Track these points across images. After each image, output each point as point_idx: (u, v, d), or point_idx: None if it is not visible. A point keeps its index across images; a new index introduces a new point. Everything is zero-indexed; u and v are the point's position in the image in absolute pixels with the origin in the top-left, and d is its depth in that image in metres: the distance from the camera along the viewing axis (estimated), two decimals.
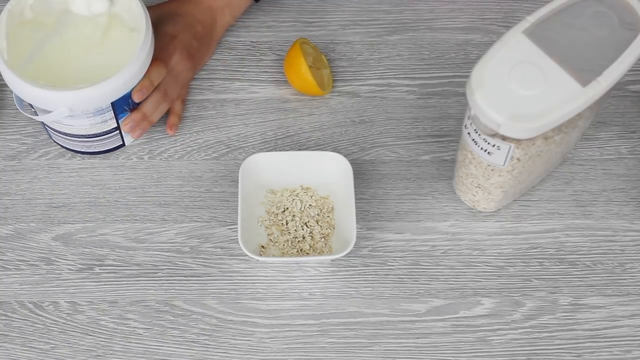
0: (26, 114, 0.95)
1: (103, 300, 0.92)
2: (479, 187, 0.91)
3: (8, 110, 1.02)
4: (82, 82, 0.88)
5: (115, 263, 0.93)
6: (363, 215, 0.96)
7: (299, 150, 1.00)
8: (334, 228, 0.95)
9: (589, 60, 0.79)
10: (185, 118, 1.02)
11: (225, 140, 1.01)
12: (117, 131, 0.96)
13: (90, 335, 0.90)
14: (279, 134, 1.01)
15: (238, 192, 0.92)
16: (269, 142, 1.01)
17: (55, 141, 1.00)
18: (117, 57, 0.92)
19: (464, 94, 0.83)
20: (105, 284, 0.92)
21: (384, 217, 0.96)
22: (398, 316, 0.91)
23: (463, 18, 1.08)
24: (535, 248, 0.94)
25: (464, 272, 0.93)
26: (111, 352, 0.89)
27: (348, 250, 0.89)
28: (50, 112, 0.90)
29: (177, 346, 0.89)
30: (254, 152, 0.99)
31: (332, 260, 0.93)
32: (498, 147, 0.82)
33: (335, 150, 1.00)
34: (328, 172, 0.95)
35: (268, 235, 0.94)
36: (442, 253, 0.94)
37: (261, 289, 0.92)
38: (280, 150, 1.00)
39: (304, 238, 0.94)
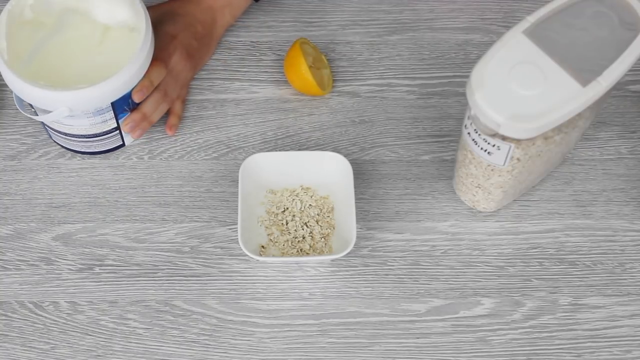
0: (26, 114, 0.95)
1: (103, 300, 0.92)
2: (479, 187, 0.91)
3: (8, 110, 1.02)
4: (82, 82, 0.88)
5: (115, 263, 0.93)
6: (363, 215, 0.96)
7: (299, 150, 1.00)
8: (334, 228, 0.95)
9: (589, 60, 0.79)
10: (185, 118, 1.02)
11: (225, 140, 1.01)
12: (117, 131, 0.96)
13: (90, 335, 0.90)
14: (279, 134, 1.01)
15: (238, 192, 0.92)
16: (269, 142, 1.01)
17: (55, 141, 1.00)
18: (117, 57, 0.91)
19: (464, 94, 0.83)
20: (105, 284, 0.92)
21: (384, 217, 0.96)
22: (398, 316, 0.91)
23: (463, 18, 1.08)
24: (535, 248, 0.94)
25: (464, 272, 0.93)
26: (111, 352, 0.89)
27: (348, 250, 0.89)
28: (50, 112, 0.90)
29: (177, 346, 0.89)
30: (254, 152, 0.99)
31: (332, 260, 0.93)
32: (498, 147, 0.82)
33: (335, 150, 1.00)
34: (328, 172, 0.95)
35: (268, 235, 0.94)
36: (442, 253, 0.94)
37: (261, 289, 0.92)
38: (280, 150, 1.00)
39: (304, 238, 0.94)
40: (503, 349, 0.89)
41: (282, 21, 1.08)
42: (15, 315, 0.91)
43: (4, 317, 0.91)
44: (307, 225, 0.94)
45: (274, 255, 0.93)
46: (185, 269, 0.93)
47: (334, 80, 1.04)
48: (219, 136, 1.01)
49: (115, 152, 1.00)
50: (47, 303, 0.91)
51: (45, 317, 0.91)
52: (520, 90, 0.78)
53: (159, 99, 0.97)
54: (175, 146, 1.00)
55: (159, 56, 0.95)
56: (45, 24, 0.93)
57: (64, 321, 0.91)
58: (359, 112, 1.03)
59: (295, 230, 0.94)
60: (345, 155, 0.96)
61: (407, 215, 0.96)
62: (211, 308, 0.91)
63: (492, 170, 0.87)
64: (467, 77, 0.80)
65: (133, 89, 0.92)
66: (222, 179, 0.98)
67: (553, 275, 0.93)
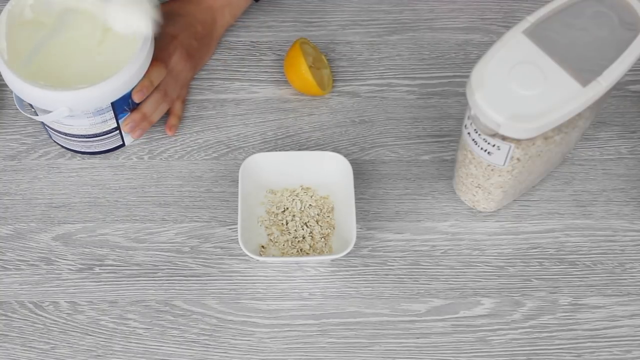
0: (26, 114, 0.95)
1: (103, 300, 0.92)
2: (479, 187, 0.91)
3: (8, 110, 1.02)
4: (82, 82, 0.88)
5: (115, 263, 0.93)
6: (363, 215, 0.96)
7: (299, 150, 1.00)
8: (334, 228, 0.95)
9: (589, 60, 0.79)
10: (185, 118, 1.02)
11: (225, 140, 1.01)
12: (117, 131, 0.96)
13: (90, 335, 0.90)
14: (279, 134, 1.01)
15: (238, 192, 0.92)
16: (269, 142, 1.01)
17: (55, 141, 1.00)
18: (117, 57, 0.92)
19: (464, 94, 0.83)
20: (105, 284, 0.92)
21: (384, 217, 0.96)
22: (398, 316, 0.91)
23: (463, 18, 1.08)
24: (535, 248, 0.94)
25: (464, 272, 0.93)
26: (111, 352, 0.89)
27: (348, 250, 0.89)
28: (50, 112, 0.90)
29: (177, 346, 0.89)
30: (254, 152, 0.99)
31: (332, 260, 0.93)
32: (498, 147, 0.82)
33: (335, 150, 1.00)
34: (328, 172, 0.95)
35: (268, 235, 0.94)
36: (442, 253, 0.94)
37: (261, 289, 0.92)
38: (280, 150, 1.00)
39: (304, 238, 0.94)
40: (503, 349, 0.89)
41: (282, 21, 1.08)
42: (15, 315, 0.91)
43: (4, 317, 0.91)
44: (307, 225, 0.94)
45: (274, 255, 0.93)
46: (185, 269, 0.93)
47: (334, 80, 1.04)
48: (219, 136, 1.01)
49: (115, 152, 1.00)
50: (47, 303, 0.91)
51: (45, 317, 0.91)
52: (520, 90, 0.78)
53: (159, 99, 0.97)
54: (175, 146, 1.00)
55: (159, 56, 0.95)
56: (45, 24, 0.93)
57: (64, 321, 0.91)
58: (359, 112, 1.03)
59: (295, 230, 0.94)
60: (345, 155, 0.96)
61: (407, 215, 0.96)
62: (211, 308, 0.91)
63: (492, 170, 0.87)
64: (467, 77, 0.80)
65: (133, 89, 0.92)
66: (222, 179, 0.98)
67: (553, 275, 0.93)
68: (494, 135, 0.81)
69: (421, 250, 0.94)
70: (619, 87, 1.01)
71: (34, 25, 0.93)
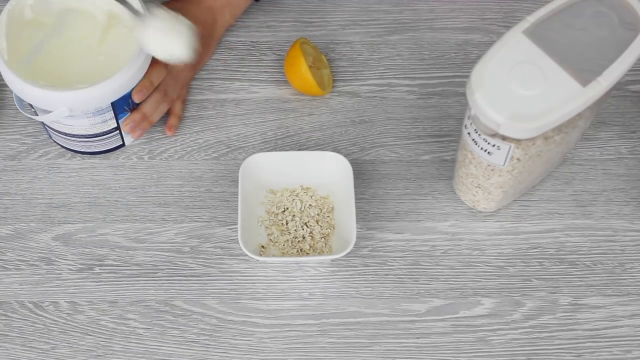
0: (26, 114, 0.95)
1: (103, 300, 0.92)
2: (479, 187, 0.91)
3: (8, 110, 1.02)
4: (82, 82, 0.88)
5: (115, 263, 0.93)
6: (363, 215, 0.96)
7: (299, 150, 1.00)
8: (334, 228, 0.95)
9: (589, 60, 0.79)
10: (185, 118, 1.02)
11: (225, 140, 1.01)
12: (117, 131, 0.96)
13: (90, 335, 0.90)
14: (279, 134, 1.01)
15: (238, 192, 0.92)
16: (269, 142, 1.01)
17: (55, 141, 1.00)
18: (117, 57, 0.92)
19: (464, 94, 0.83)
20: (105, 284, 0.92)
21: (384, 217, 0.96)
22: (398, 316, 0.91)
23: (463, 18, 1.08)
24: (535, 248, 0.94)
25: (464, 272, 0.93)
26: (111, 352, 0.89)
27: (348, 250, 0.89)
28: (50, 112, 0.90)
29: (177, 346, 0.89)
30: (254, 152, 0.99)
31: (332, 260, 0.93)
32: (498, 147, 0.82)
33: (335, 150, 1.00)
34: (328, 172, 0.95)
35: (268, 235, 0.94)
36: (442, 253, 0.94)
37: (261, 289, 0.92)
38: (280, 150, 1.00)
39: (304, 238, 0.94)
40: (503, 349, 0.89)
41: (282, 21, 1.08)
42: (15, 315, 0.91)
43: (4, 317, 0.91)
44: (307, 225, 0.94)
45: (274, 255, 0.93)
46: (185, 269, 0.93)
47: (334, 80, 1.04)
48: (219, 136, 1.01)
49: (115, 152, 1.00)
50: (47, 303, 0.91)
51: (45, 317, 0.91)
52: (520, 90, 0.78)
53: (159, 99, 0.97)
54: (175, 146, 1.00)
55: None
56: (45, 24, 0.93)
57: (64, 321, 0.91)
58: (359, 112, 1.03)
59: (295, 230, 0.94)
60: (345, 155, 0.96)
61: (407, 215, 0.96)
62: (211, 308, 0.91)
63: (492, 170, 0.87)
64: (467, 77, 0.80)
65: (133, 89, 0.92)
66: (222, 179, 0.98)
67: (553, 275, 0.93)
68: (494, 135, 0.81)
69: (421, 250, 0.94)
70: (619, 87, 1.01)
71: (34, 25, 0.93)
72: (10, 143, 1.00)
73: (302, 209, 0.95)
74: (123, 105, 0.93)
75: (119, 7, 0.91)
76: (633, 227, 0.95)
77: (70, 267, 0.93)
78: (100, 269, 0.93)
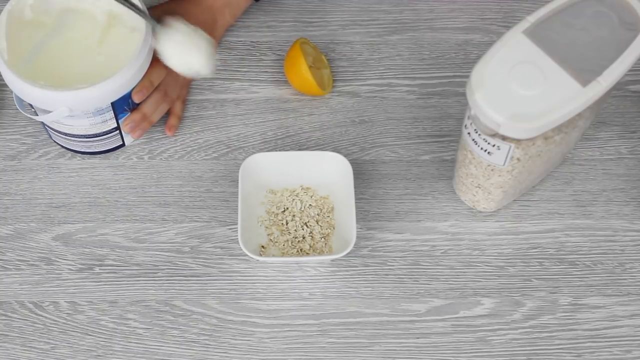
0: (26, 114, 0.95)
1: (103, 300, 0.92)
2: (479, 187, 0.91)
3: (8, 110, 1.02)
4: (82, 82, 0.88)
5: (115, 263, 0.93)
6: (363, 215, 0.96)
7: (299, 150, 1.00)
8: (334, 228, 0.95)
9: (589, 60, 0.79)
10: (185, 118, 1.02)
11: (225, 140, 1.01)
12: (117, 131, 0.96)
13: (90, 335, 0.90)
14: (279, 134, 1.01)
15: (238, 192, 0.92)
16: (269, 142, 1.01)
17: (55, 141, 1.00)
18: (117, 57, 0.92)
19: (464, 94, 0.83)
20: (105, 284, 0.92)
21: (384, 217, 0.96)
22: (398, 316, 0.91)
23: (463, 18, 1.08)
24: (535, 248, 0.94)
25: (464, 272, 0.93)
26: (111, 352, 0.89)
27: (348, 250, 0.89)
28: (50, 112, 0.90)
29: (177, 346, 0.89)
30: (254, 152, 0.99)
31: (332, 260, 0.93)
32: (498, 147, 0.82)
33: (335, 150, 1.00)
34: (328, 172, 0.95)
35: (268, 235, 0.94)
36: (442, 253, 0.94)
37: (261, 289, 0.92)
38: (280, 150, 1.00)
39: (304, 238, 0.94)
40: (503, 349, 0.89)
41: (282, 21, 1.08)
42: (15, 315, 0.91)
43: (4, 317, 0.91)
44: (307, 225, 0.94)
45: (274, 255, 0.93)
46: (185, 269, 0.93)
47: (334, 80, 1.04)
48: (219, 136, 1.01)
49: (115, 152, 1.00)
50: (47, 303, 0.91)
51: (45, 317, 0.91)
52: (520, 90, 0.78)
53: (159, 99, 0.97)
54: (175, 146, 1.00)
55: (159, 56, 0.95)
56: (45, 24, 0.93)
57: (64, 321, 0.91)
58: (359, 112, 1.03)
59: (295, 230, 0.94)
60: (345, 155, 0.96)
61: (407, 215, 0.96)
62: (211, 308, 0.91)
63: (492, 170, 0.87)
64: (467, 77, 0.80)
65: (133, 89, 0.92)
66: (222, 179, 0.98)
67: (553, 275, 0.93)
68: (494, 135, 0.81)
69: (421, 250, 0.94)
70: (619, 87, 1.01)
71: (34, 25, 0.93)
72: (10, 143, 1.01)
73: (302, 209, 0.95)
74: (123, 105, 0.93)
75: (119, 7, 0.91)
76: (633, 227, 0.95)
77: (70, 267, 0.93)
78: (100, 269, 0.93)
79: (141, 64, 0.90)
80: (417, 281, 0.92)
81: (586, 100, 0.78)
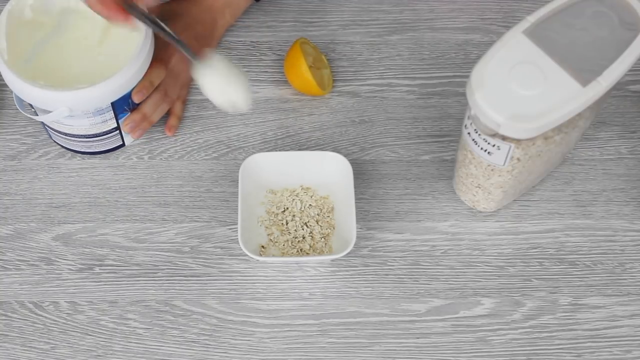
0: (26, 114, 0.95)
1: (103, 300, 0.92)
2: (479, 187, 0.91)
3: (8, 110, 1.02)
4: (82, 82, 0.88)
5: (115, 263, 0.93)
6: (363, 215, 0.96)
7: (299, 150, 1.00)
8: (334, 228, 0.95)
9: (589, 60, 0.79)
10: (185, 118, 1.02)
11: (225, 140, 1.01)
12: (117, 131, 0.96)
13: (90, 335, 0.90)
14: (279, 134, 1.01)
15: (238, 192, 0.92)
16: (269, 142, 1.01)
17: (55, 141, 1.00)
18: (117, 57, 0.92)
19: (464, 94, 0.83)
20: (105, 284, 0.92)
21: (384, 217, 0.96)
22: (398, 316, 0.91)
23: (463, 18, 1.08)
24: (535, 248, 0.94)
25: (464, 272, 0.93)
26: (111, 352, 0.89)
27: (348, 250, 0.89)
28: (50, 112, 0.90)
29: (177, 346, 0.89)
30: (254, 152, 0.99)
31: (332, 260, 0.93)
32: (498, 147, 0.82)
33: (335, 150, 1.00)
34: (328, 172, 0.95)
35: (268, 235, 0.94)
36: (442, 253, 0.94)
37: (261, 289, 0.92)
38: (280, 150, 1.00)
39: (304, 238, 0.94)
40: (503, 349, 0.89)
41: (282, 21, 1.08)
42: (15, 315, 0.91)
43: (4, 317, 0.91)
44: (307, 225, 0.94)
45: (274, 255, 0.93)
46: (185, 269, 0.93)
47: (334, 80, 1.04)
48: (219, 136, 1.01)
49: (115, 152, 1.00)
50: (47, 303, 0.91)
51: (45, 317, 0.91)
52: (520, 90, 0.78)
53: (159, 99, 0.97)
54: (175, 146, 1.00)
55: (158, 56, 0.95)
56: (45, 24, 0.93)
57: (64, 321, 0.91)
58: (359, 112, 1.03)
59: (295, 230, 0.94)
60: (345, 155, 0.96)
61: (407, 215, 0.96)
62: (211, 308, 0.91)
63: (492, 170, 0.87)
64: (467, 77, 0.80)
65: (133, 89, 0.92)
66: (222, 179, 0.98)
67: (553, 275, 0.93)
68: (494, 135, 0.81)
69: (421, 250, 0.94)
70: (619, 87, 1.00)
71: (34, 25, 0.93)
72: (10, 143, 1.00)
73: (302, 209, 0.95)
74: (123, 105, 0.93)
75: None
76: (633, 227, 0.95)
77: (70, 267, 0.93)
78: (100, 269, 0.93)
79: (141, 64, 0.90)
80: (417, 281, 0.92)
81: (586, 100, 0.78)
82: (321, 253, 0.93)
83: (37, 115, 0.93)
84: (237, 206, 0.93)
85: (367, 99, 1.03)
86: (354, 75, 1.05)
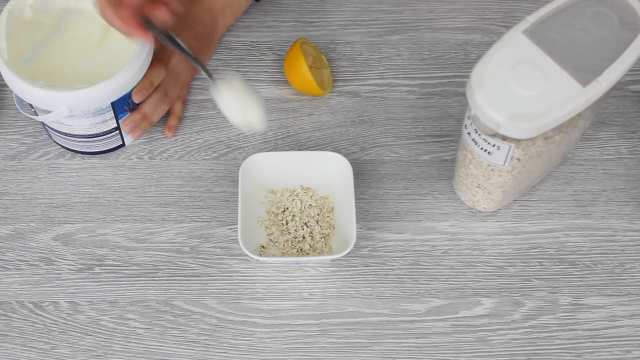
0: (26, 114, 0.95)
1: (103, 300, 0.92)
2: (479, 187, 0.91)
3: (8, 110, 1.02)
4: (82, 82, 0.89)
5: (115, 263, 0.93)
6: (363, 215, 0.96)
7: (299, 150, 1.00)
8: (334, 228, 0.95)
9: (589, 60, 0.79)
10: (185, 118, 1.02)
11: (225, 140, 1.01)
12: (117, 131, 0.96)
13: (90, 335, 0.90)
14: (279, 134, 1.01)
15: (238, 192, 0.92)
16: (269, 142, 1.01)
17: (55, 141, 1.00)
18: (117, 57, 0.92)
19: (464, 94, 0.83)
20: (105, 284, 0.92)
21: (384, 217, 0.96)
22: (398, 316, 0.91)
23: (463, 18, 1.08)
24: (535, 248, 0.94)
25: (464, 272, 0.93)
26: (111, 352, 0.89)
27: (348, 250, 0.89)
28: (50, 112, 0.90)
29: (177, 346, 0.89)
30: (254, 152, 0.99)
31: (332, 260, 0.93)
32: (498, 147, 0.82)
33: (335, 150, 1.00)
34: (328, 172, 0.95)
35: (268, 235, 0.94)
36: (442, 253, 0.94)
37: (261, 289, 0.92)
38: (280, 150, 1.00)
39: (304, 238, 0.94)
40: (503, 349, 0.89)
41: (282, 21, 1.08)
42: (15, 315, 0.91)
43: (4, 317, 0.91)
44: (307, 225, 0.94)
45: (274, 255, 0.93)
46: (185, 269, 0.93)
47: (334, 80, 1.04)
48: (219, 136, 1.01)
49: (115, 152, 1.00)
50: (47, 303, 0.91)
51: (45, 317, 0.91)
52: (520, 90, 0.78)
53: (159, 99, 0.97)
54: (175, 146, 1.00)
55: (158, 57, 0.95)
56: (45, 24, 0.93)
57: (64, 321, 0.91)
58: (359, 112, 1.03)
59: (295, 230, 0.94)
60: (345, 155, 0.96)
61: (407, 215, 0.96)
62: (211, 308, 0.91)
63: (492, 170, 0.87)
64: (467, 77, 0.80)
65: (133, 89, 0.92)
66: (222, 179, 0.98)
67: (553, 275, 0.93)
68: (494, 135, 0.81)
69: (421, 250, 0.94)
70: (619, 87, 1.00)
71: (34, 25, 0.93)
72: (10, 143, 1.01)
73: (302, 209, 0.95)
74: (123, 105, 0.93)
75: None
76: (633, 227, 0.95)
77: (70, 267, 0.93)
78: (100, 269, 0.93)
79: (141, 64, 0.90)
80: (417, 281, 0.92)
81: (586, 100, 0.78)
82: (321, 253, 0.93)
83: (37, 115, 0.93)
84: (237, 206, 0.93)
85: (367, 99, 1.03)
86: (354, 75, 1.05)
